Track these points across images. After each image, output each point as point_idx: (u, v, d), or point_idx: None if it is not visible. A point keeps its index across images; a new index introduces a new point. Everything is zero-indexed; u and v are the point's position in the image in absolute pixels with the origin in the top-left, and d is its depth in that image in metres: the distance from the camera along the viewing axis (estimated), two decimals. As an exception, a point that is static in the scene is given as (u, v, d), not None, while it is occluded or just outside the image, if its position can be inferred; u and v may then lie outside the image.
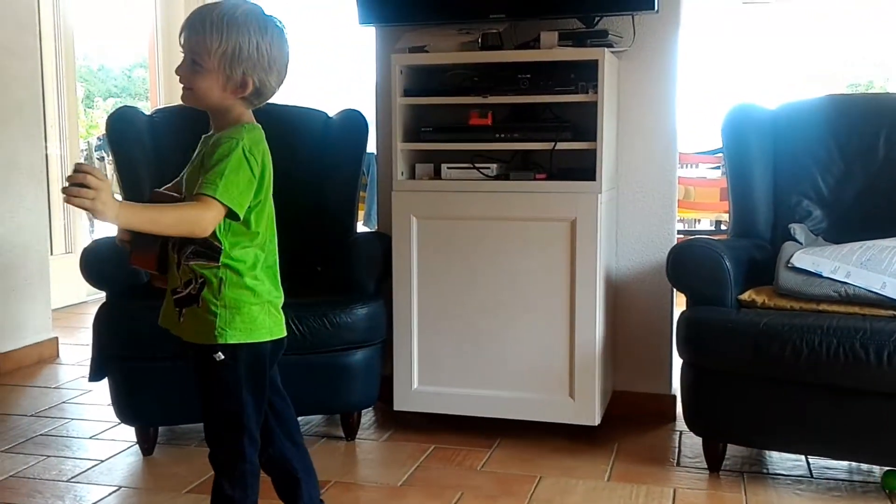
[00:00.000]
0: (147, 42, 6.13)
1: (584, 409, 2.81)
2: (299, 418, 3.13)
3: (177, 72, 1.78)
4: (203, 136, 1.86)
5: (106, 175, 7.76)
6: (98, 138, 8.86)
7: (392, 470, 2.70)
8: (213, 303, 1.78)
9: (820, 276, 2.55)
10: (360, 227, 3.68)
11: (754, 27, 8.40)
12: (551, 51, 2.81)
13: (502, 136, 2.85)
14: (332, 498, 2.47)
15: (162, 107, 4.20)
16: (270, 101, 3.30)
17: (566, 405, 2.83)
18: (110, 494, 2.54)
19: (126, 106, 3.35)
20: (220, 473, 1.88)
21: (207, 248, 1.78)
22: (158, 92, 5.99)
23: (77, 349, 4.24)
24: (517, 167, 2.97)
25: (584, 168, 2.79)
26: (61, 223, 5.37)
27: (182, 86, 1.79)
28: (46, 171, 4.33)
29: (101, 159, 8.70)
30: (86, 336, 4.12)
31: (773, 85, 8.34)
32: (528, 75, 2.81)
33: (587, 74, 2.76)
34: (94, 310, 2.85)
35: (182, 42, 1.76)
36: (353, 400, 2.90)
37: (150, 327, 2.69)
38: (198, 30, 1.74)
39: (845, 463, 2.69)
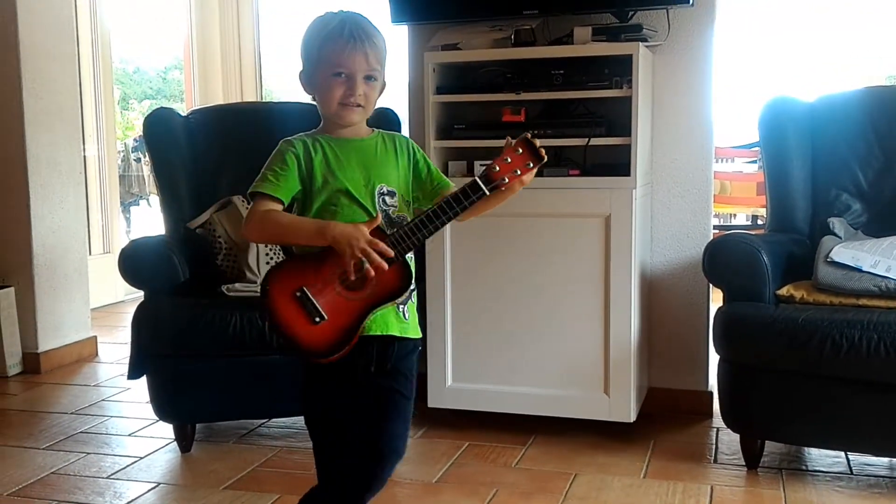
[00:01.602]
0: (182, 44, 6.19)
1: (620, 406, 2.79)
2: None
3: (357, 97, 1.68)
4: (324, 142, 1.72)
5: (142, 174, 7.78)
6: (135, 139, 8.98)
7: (427, 467, 2.70)
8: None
9: (860, 270, 2.51)
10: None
11: (791, 20, 8.29)
12: (585, 46, 2.80)
13: (536, 132, 2.82)
14: (367, 495, 2.48)
15: (197, 108, 4.24)
16: (304, 101, 3.30)
17: (601, 402, 2.81)
18: (149, 491, 2.57)
19: (162, 107, 3.39)
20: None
21: None
22: (194, 93, 6.04)
23: (115, 348, 4.30)
24: (551, 163, 2.94)
25: (618, 164, 2.78)
26: (99, 224, 5.45)
27: (354, 105, 1.69)
28: (84, 173, 4.39)
29: (138, 160, 8.82)
30: (124, 335, 4.18)
31: (810, 78, 8.23)
32: (562, 71, 2.80)
33: (621, 69, 2.74)
34: (131, 309, 2.89)
35: (347, 62, 1.67)
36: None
37: (188, 325, 2.75)
38: (375, 45, 1.70)
39: (886, 459, 2.65)
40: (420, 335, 1.79)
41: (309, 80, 1.74)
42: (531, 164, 1.65)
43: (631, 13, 2.90)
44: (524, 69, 2.87)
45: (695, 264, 3.05)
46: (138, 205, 9.56)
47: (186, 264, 2.89)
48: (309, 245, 1.66)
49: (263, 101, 6.08)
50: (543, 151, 1.65)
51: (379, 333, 1.68)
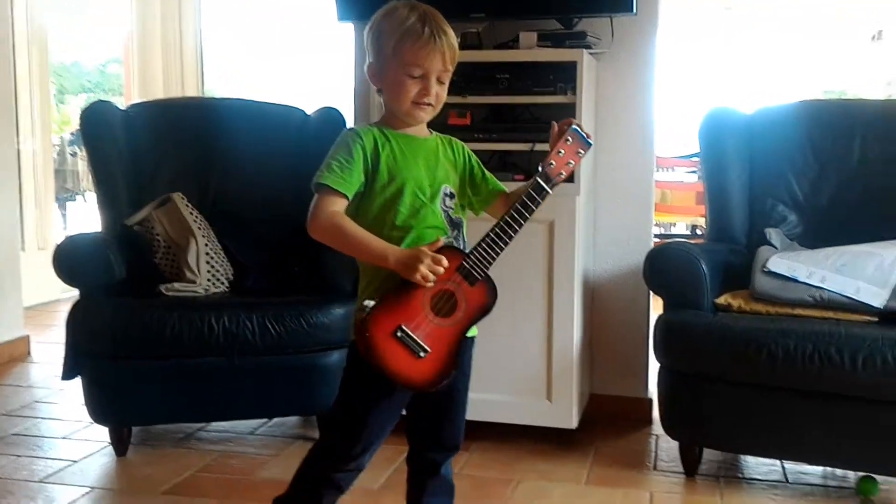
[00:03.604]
0: (122, 37, 6.07)
1: (562, 412, 2.81)
2: (275, 420, 3.13)
3: (432, 98, 1.66)
4: (390, 136, 1.70)
5: (78, 169, 7.60)
6: (71, 133, 8.76)
7: (369, 473, 2.64)
8: None
9: (795, 280, 2.56)
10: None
11: (732, 33, 8.46)
12: (530, 51, 2.81)
13: (481, 136, 2.84)
14: (306, 500, 2.45)
15: (137, 102, 4.15)
16: (248, 97, 3.26)
17: (543, 408, 2.82)
18: (83, 496, 2.50)
19: (100, 101, 3.31)
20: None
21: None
22: (133, 87, 5.93)
23: (49, 347, 4.18)
24: (495, 168, 2.96)
25: (562, 170, 2.78)
26: (34, 219, 5.30)
27: (426, 105, 1.68)
28: (18, 167, 4.28)
29: (74, 154, 8.61)
30: (58, 334, 4.06)
31: (749, 90, 8.40)
32: (507, 75, 2.81)
33: (566, 75, 2.76)
34: (66, 307, 2.81)
35: (424, 62, 1.65)
36: (330, 401, 2.86)
37: (124, 325, 2.69)
38: (452, 44, 1.68)
39: (820, 468, 2.69)
40: (476, 333, 1.79)
41: (378, 74, 1.70)
42: (581, 152, 1.69)
43: (575, 20, 2.92)
44: (470, 72, 2.86)
45: (636, 271, 3.07)
46: (74, 200, 9.35)
47: (123, 262, 2.82)
48: (370, 263, 1.65)
49: (205, 96, 5.99)
50: (591, 136, 1.70)
51: None
